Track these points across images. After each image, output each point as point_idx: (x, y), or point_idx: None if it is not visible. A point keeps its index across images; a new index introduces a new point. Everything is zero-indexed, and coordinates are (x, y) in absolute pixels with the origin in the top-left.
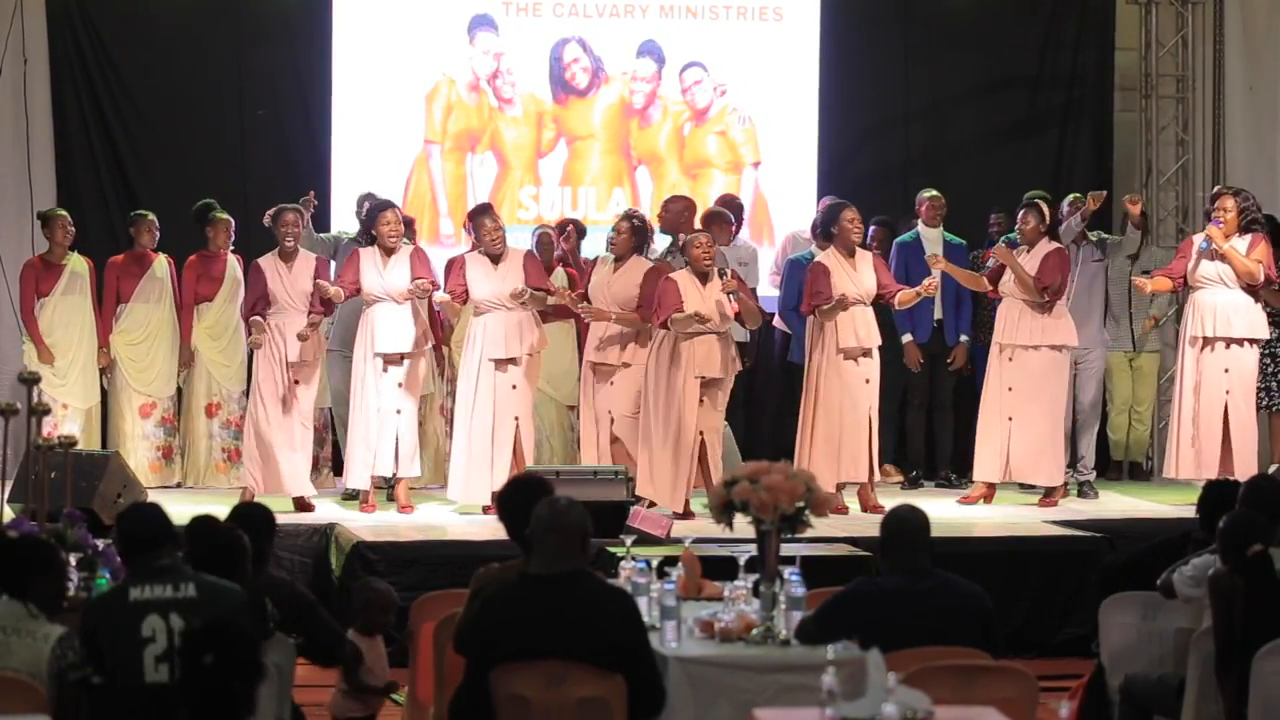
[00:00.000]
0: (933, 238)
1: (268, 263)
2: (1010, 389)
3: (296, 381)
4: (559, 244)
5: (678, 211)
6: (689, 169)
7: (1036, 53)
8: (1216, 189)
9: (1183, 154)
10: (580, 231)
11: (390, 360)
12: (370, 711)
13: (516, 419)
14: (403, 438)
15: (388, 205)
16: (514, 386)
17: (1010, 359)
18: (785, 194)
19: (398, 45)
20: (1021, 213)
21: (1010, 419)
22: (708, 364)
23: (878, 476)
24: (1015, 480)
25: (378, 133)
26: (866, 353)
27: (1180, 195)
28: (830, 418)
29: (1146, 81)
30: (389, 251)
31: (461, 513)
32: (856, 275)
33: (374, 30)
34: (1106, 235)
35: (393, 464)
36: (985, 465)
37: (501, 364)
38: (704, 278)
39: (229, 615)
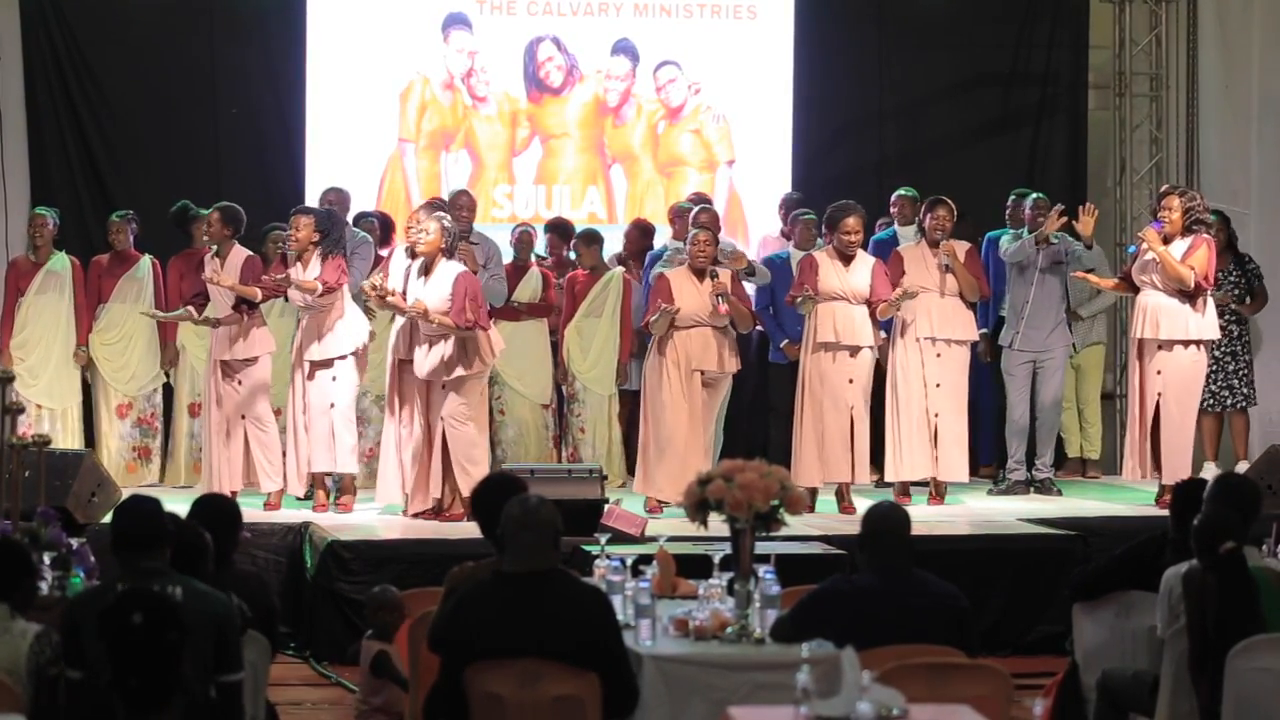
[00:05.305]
0: (907, 236)
1: (207, 258)
2: (938, 385)
3: (239, 381)
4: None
5: None
6: (663, 167)
7: (1010, 51)
8: (1164, 188)
9: (1156, 152)
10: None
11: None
12: None
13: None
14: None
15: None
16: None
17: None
18: (759, 193)
19: (372, 44)
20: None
21: (936, 415)
22: (704, 358)
23: (866, 479)
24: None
25: (352, 131)
26: (853, 352)
27: (1154, 193)
28: (814, 415)
29: (1120, 79)
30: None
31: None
32: (846, 274)
33: (348, 29)
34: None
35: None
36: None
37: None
38: (701, 275)
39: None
